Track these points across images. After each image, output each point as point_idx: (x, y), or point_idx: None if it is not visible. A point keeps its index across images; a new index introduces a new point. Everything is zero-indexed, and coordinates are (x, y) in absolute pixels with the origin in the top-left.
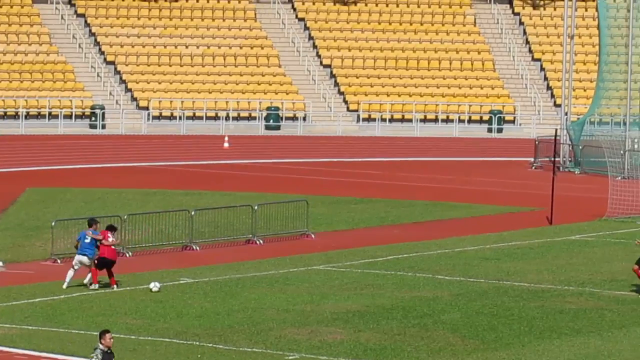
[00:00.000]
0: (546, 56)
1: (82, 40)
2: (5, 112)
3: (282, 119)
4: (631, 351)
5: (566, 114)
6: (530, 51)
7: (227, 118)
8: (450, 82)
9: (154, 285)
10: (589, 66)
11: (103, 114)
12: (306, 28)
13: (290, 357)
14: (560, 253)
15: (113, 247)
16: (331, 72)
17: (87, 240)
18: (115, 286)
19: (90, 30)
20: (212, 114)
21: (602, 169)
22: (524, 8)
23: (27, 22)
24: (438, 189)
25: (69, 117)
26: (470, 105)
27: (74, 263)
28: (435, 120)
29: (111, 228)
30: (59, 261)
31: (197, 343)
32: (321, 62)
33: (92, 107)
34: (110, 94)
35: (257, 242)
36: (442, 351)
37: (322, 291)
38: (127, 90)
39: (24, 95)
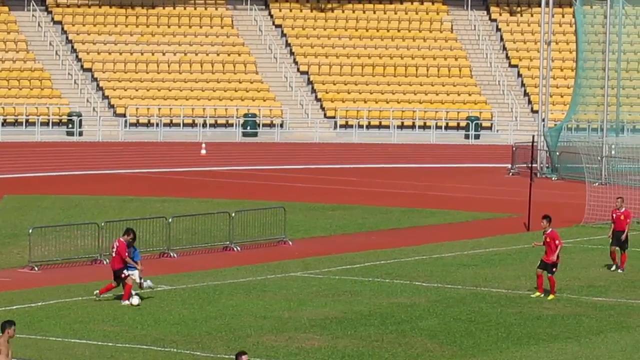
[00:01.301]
0: (523, 62)
1: (59, 47)
2: None
3: (259, 125)
4: (608, 357)
5: (543, 120)
6: (507, 57)
7: (204, 125)
8: (428, 88)
9: (136, 299)
10: (566, 72)
11: (80, 121)
12: (283, 35)
13: None
14: (538, 259)
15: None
16: (308, 79)
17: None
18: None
19: (67, 37)
20: (189, 120)
21: (579, 175)
22: (500, 14)
23: (4, 30)
24: (415, 195)
25: (46, 124)
26: (447, 112)
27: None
28: (413, 126)
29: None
30: (36, 268)
31: (175, 350)
32: (298, 69)
33: (69, 114)
34: (87, 101)
35: (235, 249)
36: (420, 357)
37: (300, 298)
38: (104, 97)
39: (1, 102)
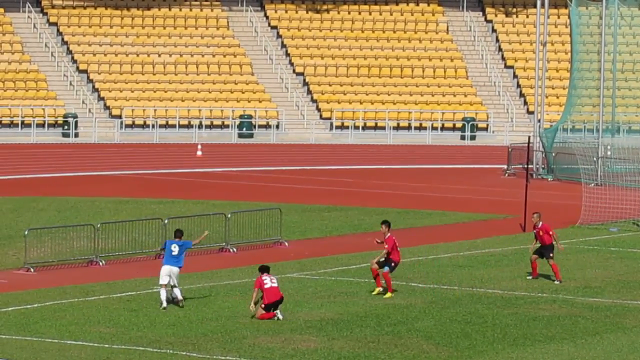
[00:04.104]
0: (519, 63)
1: (54, 49)
2: None
3: (255, 127)
4: (604, 358)
5: (539, 121)
6: (502, 58)
7: (200, 126)
8: (423, 89)
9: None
10: (561, 73)
11: (76, 122)
12: (279, 36)
13: None
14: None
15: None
16: (304, 80)
17: (175, 253)
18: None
19: (62, 39)
20: (185, 122)
21: (575, 175)
22: (496, 15)
23: None
24: (411, 196)
25: (41, 125)
26: (443, 113)
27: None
28: (408, 127)
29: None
30: (32, 270)
31: (171, 351)
32: (294, 70)
33: (65, 116)
34: (83, 102)
35: (231, 250)
36: (416, 359)
37: (296, 299)
38: (100, 98)
39: None
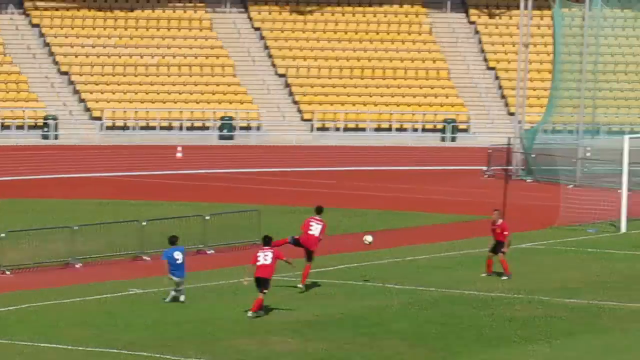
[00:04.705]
0: (501, 65)
1: (36, 51)
2: None
3: (235, 128)
4: (580, 359)
5: (520, 122)
6: (485, 60)
7: (180, 128)
8: (405, 90)
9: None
10: (543, 75)
11: (56, 124)
12: (262, 38)
13: None
14: (511, 261)
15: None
16: (286, 82)
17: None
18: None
19: (44, 41)
20: (166, 124)
21: (554, 177)
22: (479, 17)
23: None
24: (391, 198)
25: (21, 127)
26: (424, 114)
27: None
28: (389, 129)
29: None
30: (8, 272)
31: (146, 354)
32: (276, 72)
33: (45, 118)
34: (64, 104)
35: (208, 252)
36: None
37: (273, 301)
38: (81, 100)
39: None
